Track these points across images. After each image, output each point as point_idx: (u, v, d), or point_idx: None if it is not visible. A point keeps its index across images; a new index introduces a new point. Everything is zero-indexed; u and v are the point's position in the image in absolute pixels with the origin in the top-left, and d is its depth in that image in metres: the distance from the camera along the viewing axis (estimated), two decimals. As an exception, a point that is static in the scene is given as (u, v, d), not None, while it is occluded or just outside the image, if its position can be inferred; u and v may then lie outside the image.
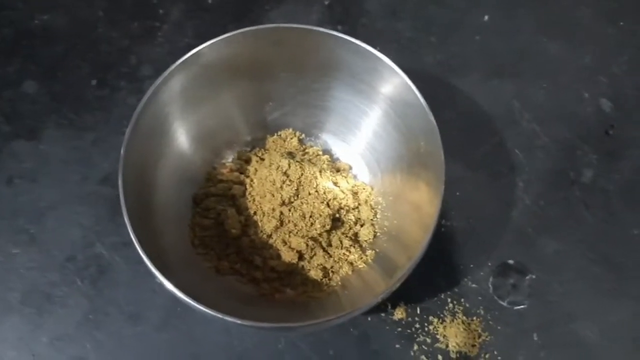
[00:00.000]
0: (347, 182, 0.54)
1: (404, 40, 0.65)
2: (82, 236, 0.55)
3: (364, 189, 0.54)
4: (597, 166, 0.58)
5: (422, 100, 0.46)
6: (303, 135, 0.57)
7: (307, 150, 0.56)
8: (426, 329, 0.51)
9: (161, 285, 0.40)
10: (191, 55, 0.48)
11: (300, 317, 0.46)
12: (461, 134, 0.59)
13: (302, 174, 0.51)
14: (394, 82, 0.48)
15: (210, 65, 0.50)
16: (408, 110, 0.48)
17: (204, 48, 0.48)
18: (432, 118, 0.45)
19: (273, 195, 0.50)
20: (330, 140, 0.57)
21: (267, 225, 0.50)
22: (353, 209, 0.52)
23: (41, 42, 0.65)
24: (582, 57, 0.65)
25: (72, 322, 0.51)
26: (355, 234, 0.52)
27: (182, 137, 0.52)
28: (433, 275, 0.53)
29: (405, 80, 0.47)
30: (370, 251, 0.51)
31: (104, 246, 0.54)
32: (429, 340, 0.51)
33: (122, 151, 0.44)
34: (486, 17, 0.67)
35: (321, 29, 0.49)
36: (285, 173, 0.51)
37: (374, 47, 0.48)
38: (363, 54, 0.49)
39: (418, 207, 0.48)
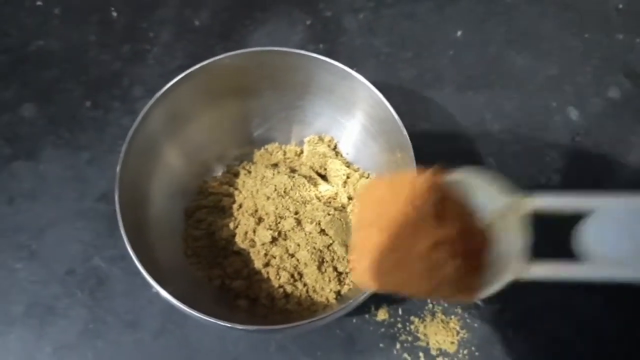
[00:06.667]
0: (333, 187, 0.56)
1: (382, 56, 0.69)
2: (81, 250, 0.57)
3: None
4: (564, 171, 0.62)
5: (395, 116, 0.49)
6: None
7: (292, 162, 0.59)
8: (407, 328, 0.54)
9: (157, 294, 0.43)
10: (180, 78, 0.51)
11: (283, 320, 0.49)
12: (437, 144, 0.63)
13: (289, 184, 0.53)
14: (369, 99, 0.52)
15: (198, 86, 0.53)
16: (384, 125, 0.52)
17: (192, 71, 0.51)
18: (405, 132, 0.48)
19: (263, 205, 0.53)
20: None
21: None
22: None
23: (36, 67, 0.67)
24: (548, 68, 0.68)
25: (74, 332, 0.54)
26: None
27: (173, 154, 0.55)
28: (413, 277, 0.56)
29: (380, 97, 0.50)
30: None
31: (102, 259, 0.56)
32: (410, 339, 0.54)
33: (117, 170, 0.47)
34: (459, 33, 0.71)
35: (299, 51, 0.52)
36: (272, 184, 0.53)
37: (354, 63, 0.51)
38: (340, 73, 0.52)
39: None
